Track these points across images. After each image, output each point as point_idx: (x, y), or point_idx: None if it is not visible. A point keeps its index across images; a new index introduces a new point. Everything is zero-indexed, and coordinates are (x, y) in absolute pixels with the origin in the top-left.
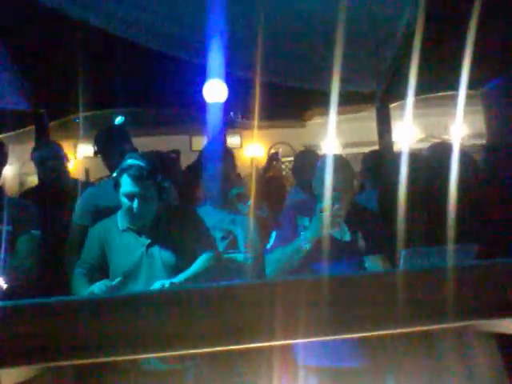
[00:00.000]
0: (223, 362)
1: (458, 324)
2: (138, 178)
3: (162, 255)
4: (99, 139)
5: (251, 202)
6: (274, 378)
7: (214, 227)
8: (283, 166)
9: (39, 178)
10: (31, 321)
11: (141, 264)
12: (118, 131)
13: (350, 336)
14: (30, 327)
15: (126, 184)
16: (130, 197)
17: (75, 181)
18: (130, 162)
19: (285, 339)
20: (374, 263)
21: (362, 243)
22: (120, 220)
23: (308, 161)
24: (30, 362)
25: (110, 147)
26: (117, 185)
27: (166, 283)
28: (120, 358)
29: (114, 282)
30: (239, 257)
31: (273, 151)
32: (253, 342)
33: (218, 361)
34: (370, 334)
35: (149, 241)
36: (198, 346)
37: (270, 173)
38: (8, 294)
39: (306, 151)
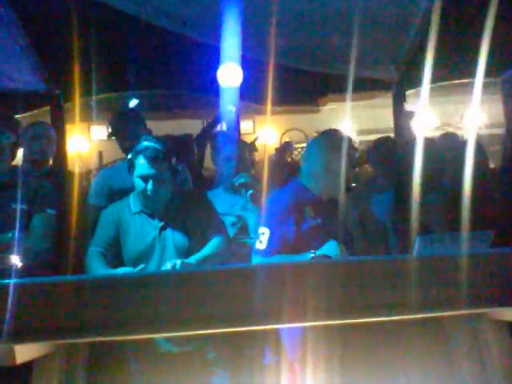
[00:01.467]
0: (232, 345)
1: (470, 311)
2: (153, 160)
3: (174, 238)
4: (114, 121)
5: (252, 191)
6: (282, 361)
7: (225, 212)
8: (296, 153)
9: (25, 157)
10: (45, 298)
11: (153, 246)
12: (133, 114)
13: (359, 321)
14: (44, 305)
15: (141, 166)
16: (145, 179)
17: (58, 168)
18: (145, 144)
19: (293, 322)
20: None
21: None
22: (133, 202)
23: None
24: (44, 339)
25: (125, 130)
26: (131, 167)
27: (178, 263)
28: (130, 337)
29: (136, 269)
30: (249, 242)
31: (287, 140)
32: (261, 325)
33: (227, 343)
34: (379, 319)
35: (162, 223)
36: (207, 327)
37: (282, 161)
38: (23, 273)
39: (329, 132)
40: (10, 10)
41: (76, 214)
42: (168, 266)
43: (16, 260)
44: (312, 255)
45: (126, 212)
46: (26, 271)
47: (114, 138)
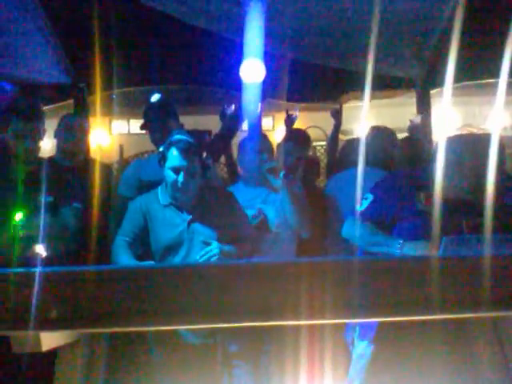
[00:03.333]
0: (252, 339)
1: (494, 314)
2: (186, 152)
3: (202, 232)
4: (148, 113)
5: (284, 172)
6: (301, 355)
7: (246, 205)
8: (315, 151)
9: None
10: (70, 287)
11: (181, 239)
12: (168, 107)
13: (379, 320)
14: (69, 294)
15: (174, 157)
16: (177, 170)
17: (90, 160)
18: (178, 136)
19: (311, 319)
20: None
21: None
22: (161, 195)
23: (385, 137)
24: (68, 328)
25: (159, 122)
26: (163, 159)
27: (215, 247)
28: (154, 328)
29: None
30: (267, 237)
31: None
32: (279, 320)
33: (247, 337)
34: (400, 319)
35: (190, 217)
36: (228, 321)
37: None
38: (49, 263)
39: (380, 128)
40: (36, 4)
41: (102, 205)
42: (205, 253)
43: (41, 249)
44: (399, 246)
45: (154, 204)
46: (51, 261)
47: (144, 130)
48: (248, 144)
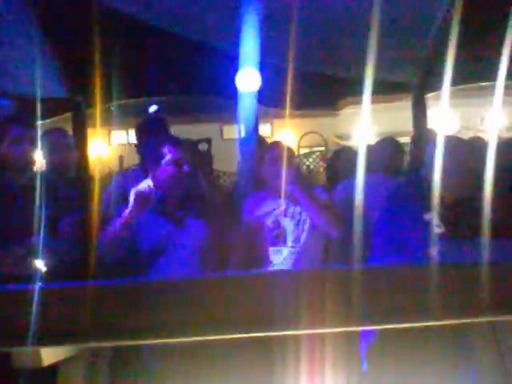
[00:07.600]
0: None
1: (492, 318)
2: (180, 146)
3: (185, 236)
4: (138, 129)
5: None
6: (302, 367)
7: (266, 216)
8: (314, 156)
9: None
10: (69, 303)
11: (164, 243)
12: (156, 123)
13: (378, 327)
14: (68, 309)
15: (171, 152)
16: (178, 162)
17: (82, 176)
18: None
19: (311, 328)
20: None
21: None
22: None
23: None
24: (68, 343)
25: (146, 138)
26: (158, 159)
27: None
28: (154, 342)
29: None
30: (284, 251)
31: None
32: (279, 331)
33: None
34: (399, 326)
35: (173, 222)
36: (226, 332)
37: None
38: (51, 276)
39: (387, 138)
40: (32, 18)
41: (98, 218)
42: None
43: (40, 264)
44: None
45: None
46: (54, 275)
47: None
48: (268, 154)
